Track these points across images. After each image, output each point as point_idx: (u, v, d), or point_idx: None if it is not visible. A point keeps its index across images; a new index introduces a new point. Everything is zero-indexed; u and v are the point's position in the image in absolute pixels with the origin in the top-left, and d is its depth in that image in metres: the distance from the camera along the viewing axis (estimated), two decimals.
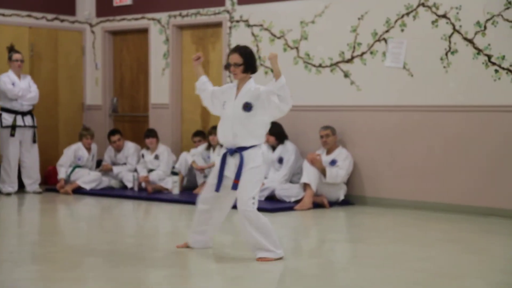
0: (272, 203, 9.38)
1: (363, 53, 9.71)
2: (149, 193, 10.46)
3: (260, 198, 8.77)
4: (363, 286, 5.49)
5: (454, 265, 6.21)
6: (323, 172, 9.48)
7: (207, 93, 6.57)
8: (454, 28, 9.02)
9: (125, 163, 11.31)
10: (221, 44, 11.00)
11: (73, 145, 11.32)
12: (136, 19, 11.90)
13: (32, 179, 10.91)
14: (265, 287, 5.58)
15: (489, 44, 8.78)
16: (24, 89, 10.68)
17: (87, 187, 10.91)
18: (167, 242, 7.34)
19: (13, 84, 10.63)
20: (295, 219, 8.71)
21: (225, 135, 6.33)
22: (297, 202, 9.48)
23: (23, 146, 10.80)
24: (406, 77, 9.38)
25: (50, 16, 12.10)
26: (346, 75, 9.84)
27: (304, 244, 7.47)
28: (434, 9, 9.15)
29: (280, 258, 6.20)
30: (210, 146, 10.61)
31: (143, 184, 10.74)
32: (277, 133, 9.94)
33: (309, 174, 9.42)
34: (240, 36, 10.57)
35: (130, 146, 11.37)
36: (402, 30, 9.40)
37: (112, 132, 11.41)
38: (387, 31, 9.52)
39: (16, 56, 10.72)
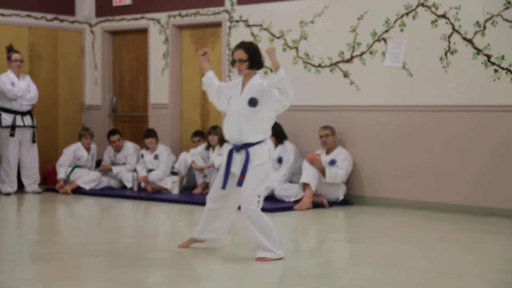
0: (271, 203, 9.37)
1: (362, 53, 9.70)
2: (149, 193, 10.46)
3: None
4: (363, 286, 5.48)
5: (454, 265, 6.20)
6: (322, 172, 9.48)
7: (213, 89, 6.55)
8: (453, 28, 9.02)
9: (124, 163, 11.30)
10: (221, 44, 10.99)
11: (73, 145, 11.31)
12: (136, 19, 11.90)
13: (32, 179, 10.90)
14: (265, 287, 5.57)
15: (488, 44, 8.78)
16: (23, 89, 10.67)
17: (87, 187, 10.90)
18: (166, 242, 7.34)
19: (12, 84, 10.62)
20: (294, 219, 8.71)
21: (231, 131, 6.32)
22: (297, 202, 9.48)
23: (22, 146, 10.80)
24: (406, 77, 9.38)
25: (49, 16, 12.10)
26: (345, 75, 9.84)
27: (303, 244, 7.46)
28: (433, 9, 9.15)
29: (280, 259, 6.20)
30: (209, 146, 10.60)
31: (143, 184, 10.73)
32: (276, 133, 9.91)
33: (309, 174, 9.42)
34: (240, 36, 10.56)
35: (129, 146, 11.36)
36: (402, 30, 9.40)
37: (112, 132, 11.40)
38: (386, 31, 9.51)
39: (15, 56, 10.71)
